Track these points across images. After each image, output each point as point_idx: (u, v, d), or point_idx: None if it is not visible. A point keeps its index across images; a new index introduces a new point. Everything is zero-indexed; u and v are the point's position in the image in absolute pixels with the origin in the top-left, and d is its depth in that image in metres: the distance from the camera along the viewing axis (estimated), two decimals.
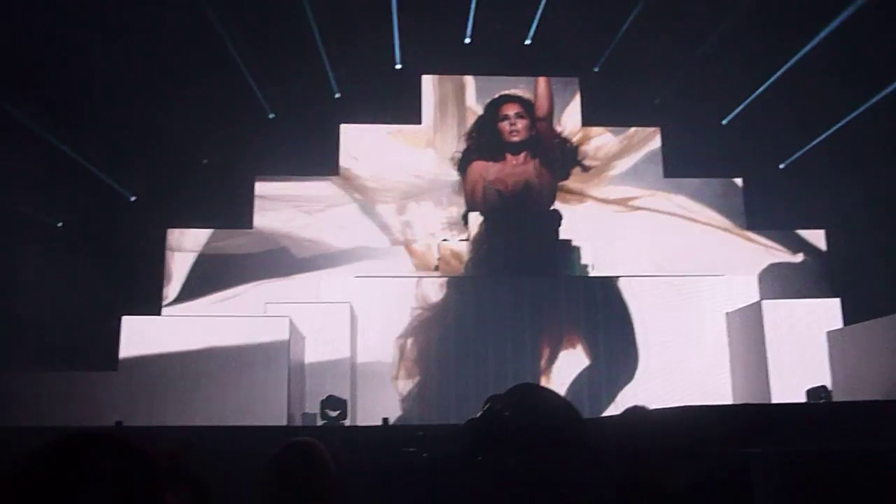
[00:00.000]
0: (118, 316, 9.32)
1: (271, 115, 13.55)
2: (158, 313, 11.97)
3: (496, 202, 13.27)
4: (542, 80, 13.85)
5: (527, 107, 13.69)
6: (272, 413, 8.88)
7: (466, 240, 12.89)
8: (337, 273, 12.19)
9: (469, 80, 13.95)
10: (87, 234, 12.12)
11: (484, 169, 13.44)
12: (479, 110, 13.76)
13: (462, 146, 13.60)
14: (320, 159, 13.28)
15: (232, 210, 12.95)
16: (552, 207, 13.35)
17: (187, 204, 12.69)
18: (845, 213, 13.23)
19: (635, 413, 3.46)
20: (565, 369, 11.47)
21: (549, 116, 13.82)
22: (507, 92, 13.74)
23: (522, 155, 13.47)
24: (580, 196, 13.54)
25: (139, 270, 12.37)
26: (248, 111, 13.09)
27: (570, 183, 13.62)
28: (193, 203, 12.68)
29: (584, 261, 12.67)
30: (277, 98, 13.39)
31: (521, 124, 13.54)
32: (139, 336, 9.09)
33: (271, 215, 13.06)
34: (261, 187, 13.18)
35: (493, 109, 13.68)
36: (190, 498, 1.91)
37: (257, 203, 13.11)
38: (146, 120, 12.11)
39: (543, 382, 10.98)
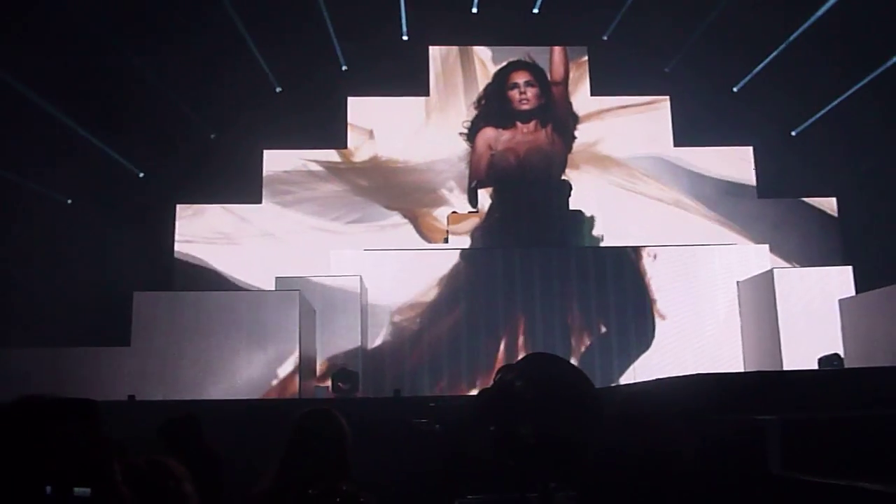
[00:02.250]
0: (130, 291, 9.35)
1: (278, 89, 13.49)
2: (170, 288, 12.02)
3: (507, 171, 13.21)
4: (556, 47, 13.74)
5: (536, 74, 13.58)
6: (284, 387, 8.93)
7: (476, 211, 12.85)
8: (346, 246, 12.18)
9: (477, 51, 13.83)
10: (97, 211, 12.15)
11: (493, 138, 13.37)
12: (488, 79, 13.65)
13: (471, 115, 13.52)
14: (328, 132, 13.24)
15: (241, 185, 12.94)
16: (562, 177, 13.30)
17: (196, 179, 12.70)
18: (857, 180, 13.12)
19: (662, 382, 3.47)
20: (576, 339, 11.47)
21: (565, 81, 13.70)
22: (516, 59, 13.62)
23: (533, 123, 13.39)
24: (588, 165, 13.48)
25: (149, 246, 12.41)
26: (254, 85, 13.04)
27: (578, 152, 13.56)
28: (202, 178, 12.69)
29: (594, 231, 12.64)
30: (284, 71, 13.32)
31: (530, 92, 13.44)
32: (150, 311, 9.12)
33: (279, 189, 13.06)
34: (269, 161, 13.16)
35: (503, 77, 13.58)
36: (195, 460, 1.92)
37: (265, 178, 13.10)
38: (153, 96, 12.09)
39: (554, 353, 10.98)
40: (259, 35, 12.44)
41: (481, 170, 13.30)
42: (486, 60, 13.78)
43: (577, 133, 13.61)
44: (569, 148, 13.50)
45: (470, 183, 13.24)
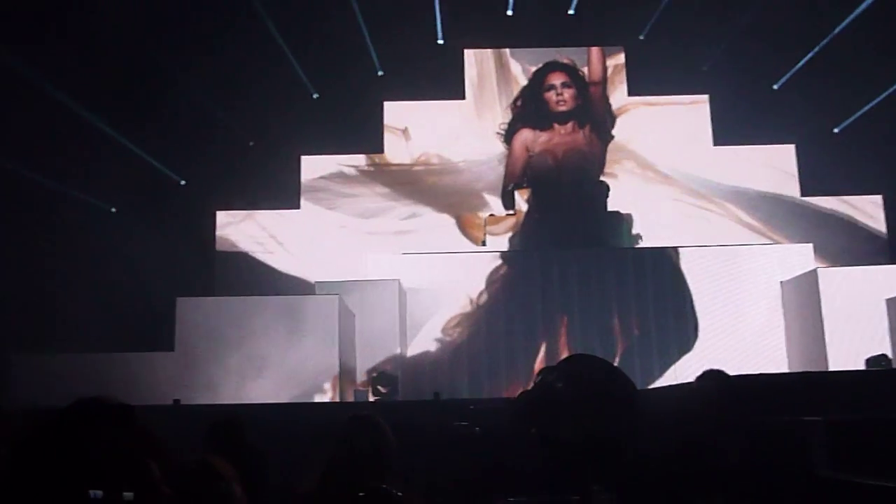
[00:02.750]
0: (173, 297, 9.50)
1: (315, 95, 13.61)
2: (212, 294, 12.18)
3: (544, 173, 13.16)
4: (594, 48, 13.67)
5: (573, 75, 13.51)
6: (324, 390, 8.99)
7: (513, 213, 12.84)
8: (387, 248, 12.23)
9: (512, 53, 13.81)
10: (140, 219, 12.36)
11: (531, 139, 13.33)
12: (524, 81, 13.62)
13: (507, 117, 13.50)
14: (364, 137, 13.32)
15: (279, 191, 13.08)
16: (601, 177, 13.22)
17: (236, 186, 12.86)
18: None
19: (714, 377, 3.42)
20: (616, 341, 11.39)
21: (603, 82, 13.62)
22: (552, 59, 13.57)
23: (570, 124, 13.32)
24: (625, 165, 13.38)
25: (191, 252, 12.60)
26: (291, 92, 13.17)
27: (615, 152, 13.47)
28: (241, 185, 12.85)
29: (633, 231, 12.54)
30: (320, 77, 13.43)
31: (567, 94, 13.38)
32: (193, 316, 9.26)
33: (317, 195, 13.17)
34: (307, 166, 13.28)
35: (539, 79, 13.53)
36: (243, 462, 1.95)
37: (304, 183, 13.23)
38: (193, 104, 12.28)
39: (595, 354, 10.91)
40: (295, 42, 12.56)
41: (517, 172, 13.27)
42: (522, 62, 13.74)
43: (614, 132, 13.50)
44: (606, 148, 13.41)
45: (505, 185, 13.21)
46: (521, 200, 12.81)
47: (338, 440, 2.71)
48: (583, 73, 13.61)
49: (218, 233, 13.01)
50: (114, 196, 12.69)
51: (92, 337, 10.61)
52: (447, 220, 13.11)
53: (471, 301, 11.56)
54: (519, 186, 13.00)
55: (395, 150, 13.47)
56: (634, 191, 13.17)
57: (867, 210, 13.09)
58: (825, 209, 13.11)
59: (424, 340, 11.42)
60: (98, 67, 11.17)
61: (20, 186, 10.89)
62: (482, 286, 11.64)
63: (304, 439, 2.93)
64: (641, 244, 12.45)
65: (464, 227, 13.09)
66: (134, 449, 1.38)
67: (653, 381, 10.89)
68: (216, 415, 3.59)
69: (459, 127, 13.53)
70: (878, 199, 13.12)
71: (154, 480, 1.39)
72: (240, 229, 13.05)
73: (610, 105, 13.61)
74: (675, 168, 13.35)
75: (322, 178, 13.29)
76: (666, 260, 11.73)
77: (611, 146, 13.45)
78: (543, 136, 13.31)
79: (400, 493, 2.42)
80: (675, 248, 11.92)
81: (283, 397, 8.54)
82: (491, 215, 12.90)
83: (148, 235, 12.11)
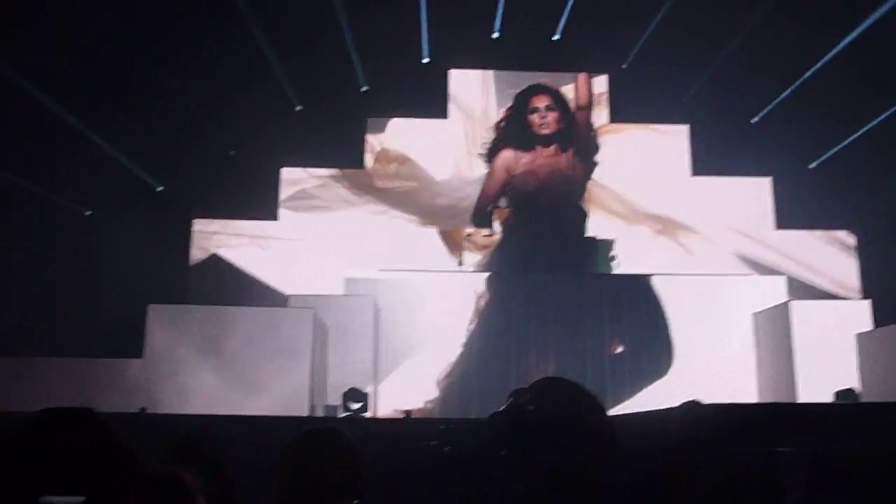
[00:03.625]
0: (144, 304, 9.39)
1: (298, 108, 13.58)
2: (184, 302, 12.06)
3: (526, 194, 13.19)
4: (581, 73, 13.79)
5: (557, 99, 13.60)
6: (295, 404, 8.91)
7: (490, 235, 12.86)
8: (362, 265, 12.18)
9: (497, 76, 13.88)
10: (115, 223, 12.24)
11: (513, 160, 13.37)
12: (508, 103, 13.68)
13: (490, 137, 13.53)
14: (346, 152, 13.31)
15: (258, 202, 13.01)
16: (581, 201, 13.28)
17: (214, 194, 12.78)
18: (876, 213, 13.03)
19: (694, 407, 3.43)
20: (589, 366, 11.40)
21: (589, 106, 13.72)
22: (537, 82, 13.65)
23: (553, 147, 13.39)
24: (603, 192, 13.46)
25: (165, 260, 12.47)
26: (274, 103, 13.13)
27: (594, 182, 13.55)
28: (220, 193, 12.76)
29: (610, 258, 12.60)
30: (304, 90, 13.42)
31: (551, 117, 13.46)
32: (165, 324, 9.15)
33: (296, 207, 13.11)
34: (286, 179, 13.22)
35: (523, 101, 13.60)
36: (208, 475, 1.91)
37: (283, 194, 13.16)
38: (174, 111, 12.20)
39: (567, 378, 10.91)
40: (280, 53, 12.54)
41: (493, 192, 13.28)
42: (506, 84, 13.81)
43: (597, 158, 13.57)
44: (590, 173, 13.47)
45: (481, 204, 13.21)
46: (500, 221, 12.83)
47: (290, 459, 2.57)
48: (566, 97, 13.70)
49: (193, 241, 12.89)
50: (88, 199, 12.56)
51: (61, 341, 10.47)
52: (426, 239, 13.08)
53: (445, 320, 11.54)
54: (497, 208, 13.04)
55: (376, 167, 13.45)
56: (610, 218, 13.25)
57: (840, 244, 13.24)
58: (799, 242, 13.25)
59: (397, 358, 11.37)
60: (78, 69, 11.08)
61: None
62: (457, 306, 11.63)
63: (271, 454, 2.87)
64: (618, 271, 12.51)
65: (448, 241, 13.06)
66: (99, 457, 1.35)
67: (624, 405, 10.91)
68: (182, 425, 3.54)
69: (442, 146, 13.54)
70: (852, 234, 13.28)
71: (118, 489, 1.36)
72: (216, 238, 12.95)
73: (594, 131, 13.69)
74: (652, 196, 13.44)
75: (302, 190, 13.23)
76: (641, 287, 11.80)
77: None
78: (526, 158, 13.36)
79: None
80: (650, 276, 11.99)
81: (251, 409, 8.45)
82: (469, 235, 12.90)
83: (122, 240, 11.99)
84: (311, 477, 2.51)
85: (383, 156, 13.50)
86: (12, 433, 1.37)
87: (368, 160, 13.45)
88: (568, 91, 13.78)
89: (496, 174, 13.39)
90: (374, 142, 13.54)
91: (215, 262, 12.85)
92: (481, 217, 13.19)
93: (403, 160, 13.47)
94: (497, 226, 12.84)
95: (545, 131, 13.41)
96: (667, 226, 13.35)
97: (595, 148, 13.62)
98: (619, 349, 11.44)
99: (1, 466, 1.32)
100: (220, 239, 12.95)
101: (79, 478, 1.32)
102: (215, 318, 9.32)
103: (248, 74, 12.41)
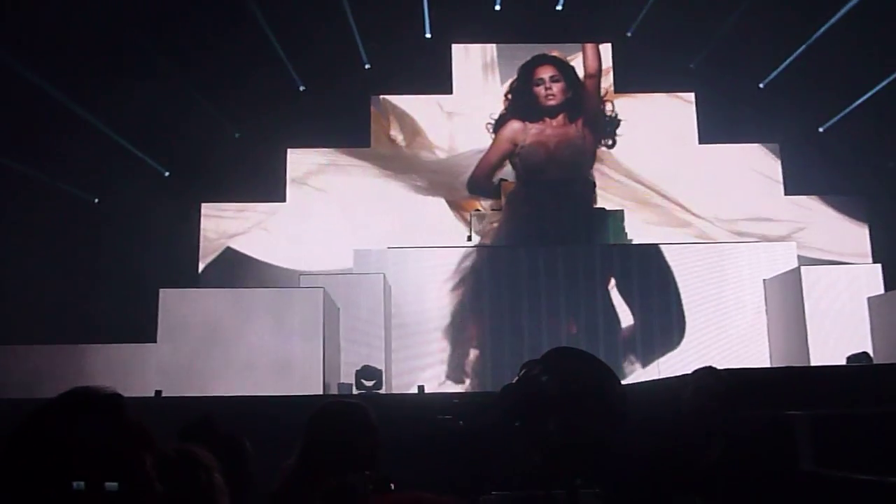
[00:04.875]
0: (156, 288, 9.44)
1: (302, 88, 13.54)
2: (195, 285, 12.12)
3: (535, 165, 13.15)
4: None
5: (562, 69, 13.51)
6: (308, 383, 8.96)
7: (499, 209, 12.83)
8: (371, 243, 12.19)
9: (500, 49, 13.79)
10: (124, 210, 12.29)
11: (521, 132, 13.32)
12: (513, 76, 13.60)
13: (498, 110, 13.47)
14: (351, 130, 13.28)
15: (265, 183, 13.02)
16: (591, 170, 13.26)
17: (220, 178, 12.79)
18: (886, 177, 12.95)
19: (707, 373, 3.44)
20: (600, 336, 11.41)
21: (598, 74, 13.63)
22: (540, 53, 13.56)
23: (561, 117, 13.33)
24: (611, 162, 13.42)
25: (175, 244, 12.53)
26: (278, 84, 13.10)
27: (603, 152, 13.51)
28: (227, 177, 12.78)
29: (620, 228, 12.56)
30: (307, 70, 13.37)
31: (556, 87, 13.38)
32: (176, 308, 9.20)
33: (303, 187, 13.12)
34: (293, 160, 13.22)
35: (528, 73, 13.52)
36: (223, 452, 1.93)
37: (290, 176, 13.17)
38: (178, 95, 12.19)
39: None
40: (282, 34, 12.49)
41: (493, 161, 13.27)
42: (510, 57, 13.71)
43: (617, 136, 13.52)
44: (598, 143, 13.42)
45: (481, 172, 13.20)
46: (508, 195, 12.82)
47: (318, 420, 2.65)
48: (574, 66, 13.59)
49: (202, 225, 12.93)
50: (97, 187, 12.60)
51: (74, 328, 10.55)
52: (435, 214, 13.08)
53: (456, 296, 11.55)
54: (503, 180, 13.02)
55: (382, 145, 13.43)
56: (619, 187, 13.22)
57: (850, 209, 13.18)
58: (809, 208, 13.19)
59: (409, 334, 11.40)
60: (82, 56, 11.07)
61: (1, 175, 10.79)
62: (468, 281, 11.63)
63: (286, 432, 2.90)
64: (627, 241, 12.47)
65: (457, 211, 13.07)
66: (125, 440, 1.36)
67: (636, 375, 10.92)
68: (197, 407, 3.56)
69: (447, 121, 13.50)
70: (862, 198, 13.21)
71: (147, 473, 1.37)
72: (224, 221, 12.98)
73: (603, 99, 13.61)
74: (660, 164, 13.39)
75: (308, 171, 13.23)
76: (651, 257, 11.76)
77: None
78: (534, 129, 13.31)
79: (370, 485, 2.38)
80: (661, 246, 11.96)
81: (266, 390, 8.49)
82: (476, 210, 12.89)
83: (131, 226, 12.05)
84: (329, 445, 2.56)
85: (389, 132, 13.47)
86: (39, 415, 1.38)
87: (374, 137, 13.42)
88: (577, 61, 13.67)
89: (499, 144, 13.35)
90: (379, 119, 13.50)
91: (224, 245, 12.89)
92: (478, 185, 13.17)
93: (410, 135, 13.44)
94: (506, 199, 12.81)
95: (551, 102, 13.34)
96: (675, 195, 13.30)
97: (604, 116, 13.55)
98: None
99: (27, 452, 1.33)
100: (229, 221, 12.98)
101: (107, 463, 1.33)
102: (226, 300, 9.36)
103: (251, 56, 12.37)
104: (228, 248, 12.89)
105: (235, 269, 12.63)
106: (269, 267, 12.63)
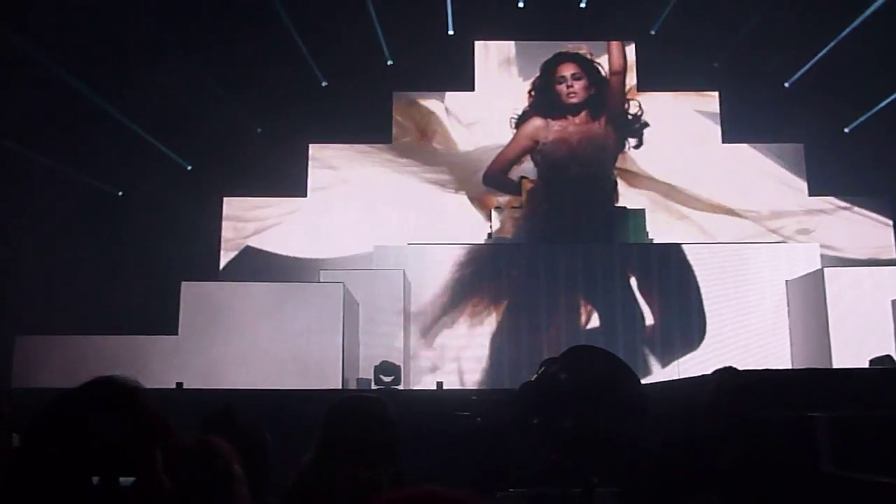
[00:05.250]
0: (178, 281, 9.52)
1: (324, 84, 13.58)
2: (216, 279, 12.21)
3: (558, 162, 13.11)
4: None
5: (584, 65, 13.44)
6: (327, 378, 9.01)
7: (519, 207, 12.81)
8: (391, 238, 12.22)
9: (524, 46, 13.74)
10: (147, 203, 12.39)
11: (543, 129, 13.27)
12: (536, 73, 13.55)
13: (521, 107, 13.43)
14: (373, 126, 13.30)
15: (286, 178, 13.07)
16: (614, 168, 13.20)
17: (242, 172, 12.86)
18: None
19: (728, 374, 3.43)
20: (620, 336, 11.37)
21: (623, 71, 13.55)
22: (563, 50, 13.50)
23: (583, 114, 13.27)
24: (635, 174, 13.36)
25: (197, 237, 12.62)
26: (300, 80, 13.14)
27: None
28: (248, 171, 12.84)
29: (640, 227, 12.51)
30: (330, 66, 13.40)
31: (578, 85, 13.32)
32: (198, 301, 9.27)
33: (324, 183, 13.16)
34: (315, 155, 13.26)
35: (550, 70, 13.47)
36: (242, 443, 1.94)
37: (311, 171, 13.21)
38: (201, 91, 12.26)
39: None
40: (305, 30, 12.53)
41: (510, 156, 13.24)
42: (533, 54, 13.67)
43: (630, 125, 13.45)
44: (622, 141, 13.35)
45: (499, 166, 13.18)
46: (528, 192, 12.80)
47: (337, 413, 2.66)
48: (597, 62, 13.51)
49: (224, 219, 13.01)
50: (121, 180, 12.72)
51: (97, 319, 10.66)
52: (456, 210, 13.07)
53: (475, 293, 11.56)
54: (523, 178, 13.01)
55: (404, 140, 13.44)
56: (642, 186, 13.15)
57: (875, 210, 13.03)
58: (833, 209, 13.06)
59: (428, 330, 11.42)
60: (108, 51, 11.18)
61: (28, 169, 10.92)
62: (487, 278, 11.63)
63: (306, 425, 2.91)
64: (648, 240, 12.42)
65: (479, 207, 13.07)
66: (141, 433, 1.38)
67: (656, 375, 10.88)
68: (217, 399, 3.58)
69: (469, 117, 13.48)
70: (886, 199, 13.06)
71: (156, 469, 1.38)
72: (246, 216, 13.05)
73: (627, 97, 13.52)
74: (683, 164, 13.30)
75: (330, 166, 13.27)
76: (672, 256, 11.71)
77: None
78: (557, 126, 13.26)
79: (385, 480, 2.39)
80: (682, 245, 11.89)
81: (285, 384, 8.55)
82: (497, 207, 12.88)
83: (154, 219, 12.15)
84: (346, 439, 2.57)
85: (411, 127, 13.48)
86: (61, 404, 1.39)
87: (396, 133, 13.44)
88: (601, 58, 13.59)
89: (519, 140, 13.32)
90: (401, 114, 13.52)
91: (246, 239, 12.97)
92: (494, 179, 13.16)
93: (432, 131, 13.44)
94: (527, 196, 12.78)
95: (573, 100, 13.29)
96: (698, 193, 13.22)
97: (627, 115, 13.46)
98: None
99: (45, 441, 1.34)
100: (250, 215, 13.05)
101: (122, 456, 1.35)
102: (247, 293, 9.43)
103: (274, 52, 12.42)
104: (249, 242, 12.95)
105: (256, 264, 12.69)
106: (289, 261, 12.68)
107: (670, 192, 13.20)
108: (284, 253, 12.82)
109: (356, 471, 2.42)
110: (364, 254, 11.95)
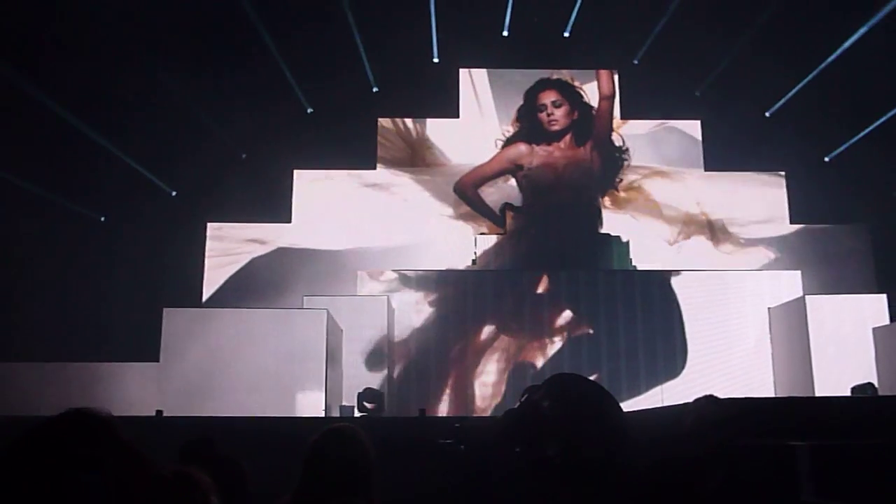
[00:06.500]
0: (160, 308, 9.45)
1: (309, 110, 13.62)
2: (199, 305, 12.13)
3: (544, 187, 13.15)
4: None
5: (565, 92, 13.54)
6: (310, 405, 8.94)
7: (503, 233, 12.85)
8: (375, 264, 12.19)
9: (507, 73, 13.85)
10: (130, 229, 12.33)
11: (526, 154, 13.33)
12: (519, 101, 13.64)
13: (504, 134, 13.50)
14: (358, 153, 13.32)
15: (271, 204, 13.05)
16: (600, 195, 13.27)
17: (227, 198, 12.82)
18: (891, 206, 12.92)
19: (709, 402, 3.42)
20: (604, 363, 11.37)
21: (612, 96, 13.65)
22: (544, 77, 13.61)
23: (567, 140, 13.33)
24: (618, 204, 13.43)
25: (180, 264, 12.55)
26: (286, 106, 13.18)
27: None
28: (233, 197, 12.81)
29: (624, 254, 12.57)
30: (315, 92, 13.45)
31: (559, 112, 13.41)
32: (180, 328, 9.20)
33: (309, 209, 13.13)
34: (299, 181, 13.25)
35: (532, 97, 13.57)
36: (221, 474, 1.92)
37: (296, 196, 13.19)
38: (186, 116, 12.27)
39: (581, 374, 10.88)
40: (290, 56, 12.58)
41: (485, 173, 13.28)
42: (518, 83, 13.76)
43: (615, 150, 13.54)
44: (612, 168, 13.41)
45: (467, 178, 13.21)
46: (512, 219, 12.85)
47: (310, 454, 2.67)
48: (580, 88, 13.60)
49: (208, 244, 12.95)
50: (104, 205, 12.66)
51: (78, 346, 10.55)
52: (439, 235, 13.07)
53: (459, 318, 11.54)
54: (511, 206, 13.06)
55: (389, 166, 13.46)
56: (623, 215, 13.22)
57: (856, 239, 13.14)
58: (814, 237, 13.16)
59: (412, 357, 11.38)
60: (91, 78, 11.16)
61: (10, 194, 10.85)
62: (471, 304, 11.62)
63: (286, 454, 2.89)
64: (631, 267, 12.47)
65: (464, 230, 13.08)
66: (114, 465, 1.35)
67: (639, 402, 10.87)
68: (197, 427, 3.56)
69: (453, 143, 13.53)
70: (867, 228, 13.17)
71: (131, 501, 1.36)
72: (230, 242, 12.99)
73: (612, 125, 13.61)
74: (665, 192, 13.40)
75: (314, 192, 13.26)
76: (655, 283, 11.75)
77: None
78: (543, 151, 13.31)
79: None
80: (665, 272, 11.95)
81: (267, 411, 8.47)
82: (482, 233, 12.90)
83: (137, 245, 12.08)
84: (320, 476, 2.56)
85: (399, 150, 13.50)
86: (26, 438, 1.37)
87: (381, 159, 13.45)
88: (590, 84, 13.69)
89: (499, 160, 13.39)
90: (386, 140, 13.55)
91: (230, 265, 12.89)
92: (463, 191, 13.19)
93: (417, 157, 13.48)
94: (510, 223, 12.82)
95: (554, 127, 13.38)
96: (681, 222, 13.30)
97: (612, 144, 13.54)
98: (629, 352, 11.41)
99: (18, 473, 1.32)
100: (234, 242, 12.99)
101: (94, 485, 1.33)
102: (230, 320, 9.36)
103: (259, 78, 12.45)
104: (233, 268, 12.87)
105: (239, 290, 12.62)
106: (272, 289, 12.61)
107: (655, 215, 13.27)
108: (267, 279, 12.75)
109: None
110: (348, 279, 11.91)
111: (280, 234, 13.04)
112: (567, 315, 11.53)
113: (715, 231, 13.28)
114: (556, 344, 11.44)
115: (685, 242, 13.15)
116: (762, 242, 13.18)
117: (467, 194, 13.23)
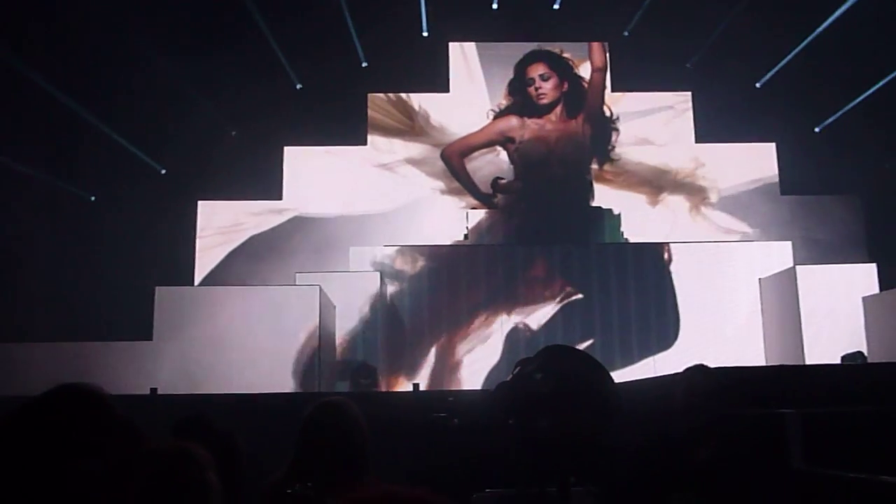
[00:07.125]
0: (152, 287, 9.44)
1: (299, 86, 13.54)
2: (191, 284, 12.12)
3: (536, 161, 13.13)
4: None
5: (553, 64, 13.45)
6: (304, 381, 8.97)
7: (495, 207, 12.85)
8: (367, 240, 12.19)
9: (498, 47, 13.76)
10: (120, 207, 12.28)
11: (517, 127, 13.28)
12: (510, 75, 13.57)
13: (494, 108, 13.44)
14: (349, 129, 13.27)
15: (262, 181, 13.01)
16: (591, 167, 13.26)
17: (217, 176, 12.78)
18: (881, 176, 12.97)
19: (699, 371, 3.46)
20: (597, 336, 11.43)
21: (604, 69, 13.57)
22: (532, 50, 13.53)
23: (558, 112, 13.28)
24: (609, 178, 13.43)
25: (171, 242, 12.52)
26: (275, 82, 13.09)
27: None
28: (223, 175, 12.76)
29: (616, 227, 12.60)
30: (305, 68, 13.36)
31: (546, 85, 13.33)
32: (172, 306, 9.19)
33: (299, 185, 13.08)
34: (289, 157, 13.19)
35: (520, 71, 13.49)
36: (217, 450, 1.93)
37: (287, 172, 13.13)
38: (175, 93, 12.18)
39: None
40: (280, 32, 12.49)
41: (472, 142, 13.23)
42: (508, 56, 13.68)
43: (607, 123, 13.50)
44: (603, 140, 13.38)
45: (454, 146, 13.18)
46: (504, 191, 12.86)
47: (304, 428, 2.69)
48: (569, 58, 13.52)
49: (199, 222, 12.90)
50: (93, 184, 12.59)
51: (70, 326, 10.54)
52: (432, 210, 13.06)
53: (452, 294, 11.56)
54: (500, 181, 13.05)
55: (379, 141, 13.41)
56: (616, 188, 13.24)
57: (846, 209, 13.19)
58: (804, 208, 13.20)
59: (405, 332, 11.41)
60: (78, 54, 11.06)
61: None
62: (464, 279, 11.64)
63: (281, 429, 2.91)
64: (623, 240, 12.51)
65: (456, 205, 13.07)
66: (107, 438, 1.36)
67: (631, 373, 10.95)
68: (191, 405, 3.57)
69: (444, 118, 13.47)
70: (858, 198, 13.23)
71: (128, 470, 1.37)
72: (221, 219, 12.95)
73: (603, 95, 13.55)
74: (656, 163, 13.40)
75: (305, 168, 13.20)
76: (647, 256, 11.79)
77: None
78: (534, 124, 13.26)
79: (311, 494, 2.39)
80: (656, 244, 11.98)
81: (261, 388, 8.49)
82: (473, 208, 12.91)
83: (127, 224, 12.04)
84: (314, 449, 2.58)
85: (386, 127, 13.44)
86: (29, 409, 1.37)
87: (371, 134, 13.39)
88: (582, 56, 13.61)
89: (488, 131, 13.31)
90: (376, 113, 13.47)
91: (221, 242, 12.87)
92: (449, 158, 13.17)
93: (407, 131, 13.43)
94: (503, 195, 12.82)
95: (543, 101, 13.31)
96: (672, 193, 13.32)
97: (603, 112, 13.50)
98: (622, 325, 11.48)
99: (11, 448, 1.33)
100: (225, 219, 12.95)
101: (89, 456, 1.33)
102: (222, 298, 9.36)
103: (247, 54, 12.36)
104: (224, 246, 12.84)
105: (231, 267, 12.61)
106: (264, 266, 12.60)
107: (645, 186, 13.29)
108: (259, 256, 12.74)
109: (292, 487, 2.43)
110: (340, 255, 11.91)
111: (271, 211, 13.00)
112: (560, 286, 11.57)
113: (706, 202, 13.31)
114: (549, 315, 11.48)
115: (675, 214, 13.17)
116: (753, 213, 13.22)
117: (452, 162, 13.20)
